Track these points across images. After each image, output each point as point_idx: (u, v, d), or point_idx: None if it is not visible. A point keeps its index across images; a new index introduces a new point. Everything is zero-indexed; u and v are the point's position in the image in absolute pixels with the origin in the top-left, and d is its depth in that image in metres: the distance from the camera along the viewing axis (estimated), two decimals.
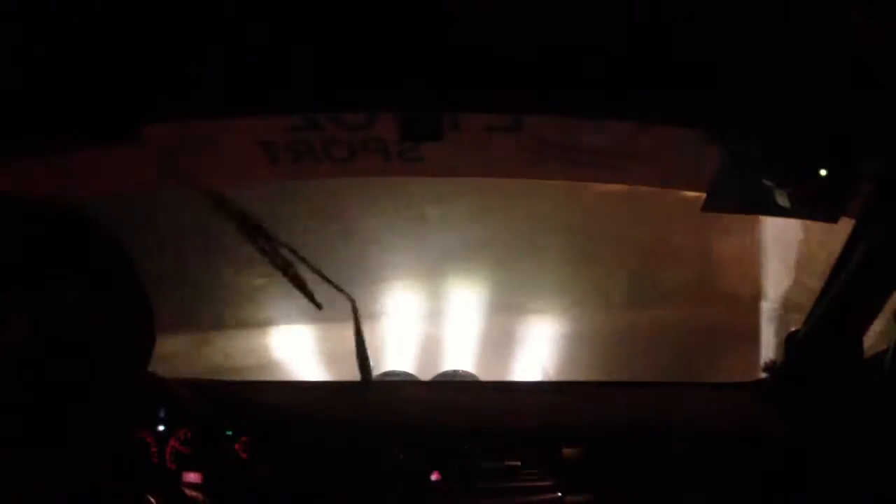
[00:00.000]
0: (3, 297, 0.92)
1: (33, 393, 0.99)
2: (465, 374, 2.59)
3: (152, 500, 1.23)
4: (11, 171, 1.60)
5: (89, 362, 1.05)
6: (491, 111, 1.73)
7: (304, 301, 1.72)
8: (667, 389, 2.03)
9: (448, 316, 5.09)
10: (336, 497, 1.65)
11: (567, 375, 4.66)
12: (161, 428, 1.65)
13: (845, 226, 1.57)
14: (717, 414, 1.76)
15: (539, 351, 4.80)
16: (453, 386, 2.14)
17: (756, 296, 4.45)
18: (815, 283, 1.75)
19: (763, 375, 1.82)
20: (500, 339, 4.87)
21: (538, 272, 5.08)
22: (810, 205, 1.50)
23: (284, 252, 1.70)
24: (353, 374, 1.82)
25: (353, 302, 1.73)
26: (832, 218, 1.58)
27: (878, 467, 1.58)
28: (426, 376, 2.51)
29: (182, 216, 4.02)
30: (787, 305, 4.19)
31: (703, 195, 2.09)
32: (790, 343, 1.76)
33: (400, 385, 2.11)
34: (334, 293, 1.72)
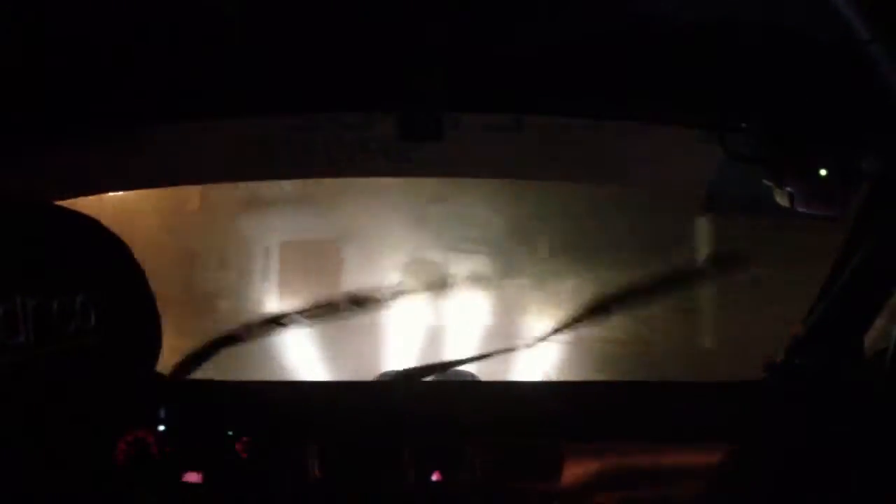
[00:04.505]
0: (11, 299, 0.92)
1: (38, 393, 1.00)
2: (465, 374, 2.59)
3: None
4: (15, 173, 1.60)
5: (96, 364, 1.06)
6: (491, 111, 1.73)
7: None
8: (666, 389, 2.03)
9: (448, 316, 5.09)
10: (336, 497, 1.65)
11: (567, 375, 4.65)
12: (161, 428, 1.65)
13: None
14: (717, 414, 1.75)
15: (539, 350, 4.80)
16: (453, 386, 2.14)
17: None
18: None
19: (763, 375, 1.82)
20: (500, 340, 4.87)
21: (539, 271, 5.08)
22: (810, 205, 1.51)
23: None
24: (353, 374, 1.82)
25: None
26: (832, 218, 1.58)
27: (878, 467, 1.58)
28: (426, 376, 2.51)
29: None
30: None
31: (704, 195, 2.10)
32: (790, 343, 1.76)
33: (400, 385, 2.11)
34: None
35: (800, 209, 1.51)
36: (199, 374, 2.03)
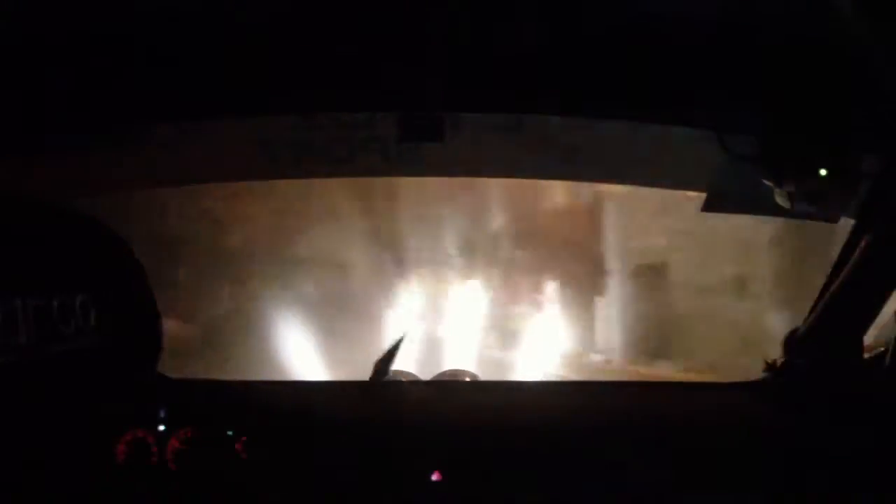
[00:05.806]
0: (11, 299, 0.92)
1: (38, 393, 1.00)
2: (465, 373, 2.59)
3: None
4: (14, 173, 1.60)
5: (96, 364, 1.06)
6: (491, 111, 1.74)
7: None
8: (667, 389, 2.03)
9: (449, 316, 5.09)
10: (336, 497, 1.65)
11: (567, 375, 4.66)
12: (161, 428, 1.64)
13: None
14: (717, 414, 1.75)
15: (539, 351, 4.81)
16: (453, 386, 2.14)
17: None
18: None
19: (763, 375, 1.82)
20: (500, 339, 4.87)
21: (539, 271, 5.09)
22: (810, 205, 1.51)
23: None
24: (353, 374, 1.82)
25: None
26: (832, 218, 1.58)
27: (878, 467, 1.58)
28: (426, 376, 2.51)
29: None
30: None
31: (704, 195, 2.10)
32: (790, 343, 1.76)
33: (400, 385, 2.11)
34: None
35: (800, 209, 1.51)
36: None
